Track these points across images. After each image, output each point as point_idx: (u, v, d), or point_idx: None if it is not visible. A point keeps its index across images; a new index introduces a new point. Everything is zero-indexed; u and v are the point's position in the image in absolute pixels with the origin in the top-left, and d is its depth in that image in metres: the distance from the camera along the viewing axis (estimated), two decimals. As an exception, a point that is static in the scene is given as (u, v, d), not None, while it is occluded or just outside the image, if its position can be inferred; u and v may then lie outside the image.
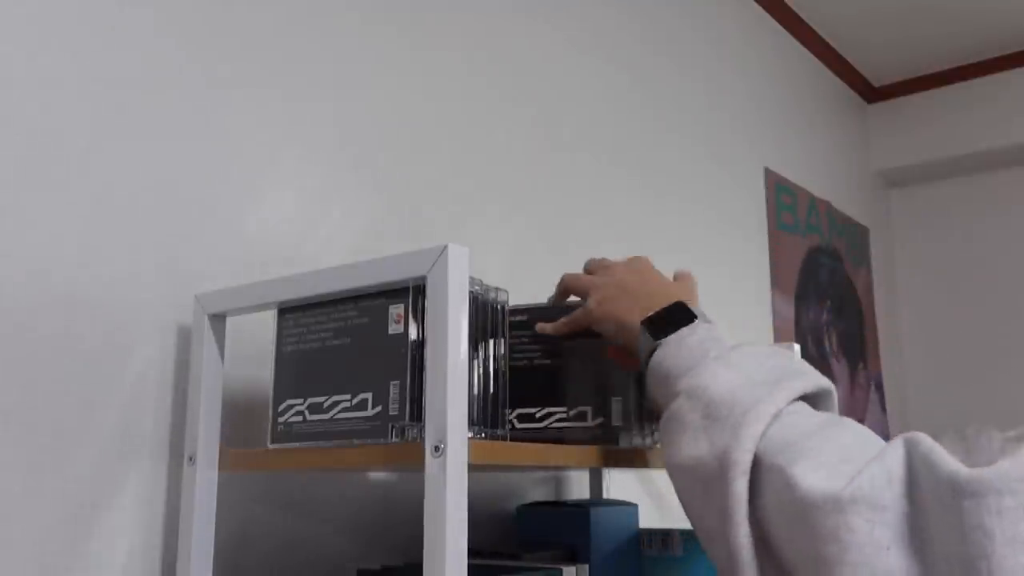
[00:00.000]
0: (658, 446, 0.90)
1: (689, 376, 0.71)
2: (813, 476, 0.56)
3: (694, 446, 0.66)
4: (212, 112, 0.98)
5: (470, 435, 0.67)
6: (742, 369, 0.69)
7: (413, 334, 0.70)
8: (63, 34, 0.85)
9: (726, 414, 0.65)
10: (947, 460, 0.51)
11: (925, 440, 0.54)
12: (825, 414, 0.66)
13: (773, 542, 0.60)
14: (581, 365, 0.89)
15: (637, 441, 0.86)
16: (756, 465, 0.61)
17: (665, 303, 0.80)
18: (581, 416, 0.88)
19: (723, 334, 0.76)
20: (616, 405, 0.87)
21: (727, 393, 0.67)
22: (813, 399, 0.69)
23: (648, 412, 0.89)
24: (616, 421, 0.86)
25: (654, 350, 0.76)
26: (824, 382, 0.69)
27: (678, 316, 0.78)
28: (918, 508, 0.52)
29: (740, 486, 0.61)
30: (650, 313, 0.79)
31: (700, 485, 0.65)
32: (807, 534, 0.55)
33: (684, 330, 0.76)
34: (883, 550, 0.51)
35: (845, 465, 0.56)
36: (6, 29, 0.81)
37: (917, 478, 0.53)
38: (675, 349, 0.75)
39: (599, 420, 0.87)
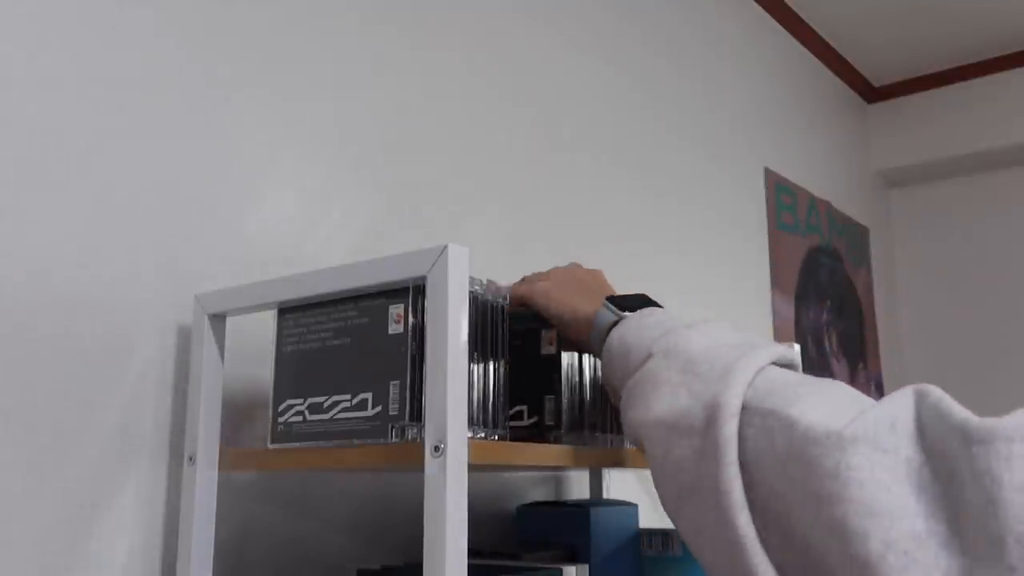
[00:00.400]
0: (605, 443, 0.90)
1: (663, 340, 0.71)
2: (813, 413, 0.56)
3: (673, 400, 0.65)
4: (212, 112, 0.98)
5: (470, 435, 0.67)
6: (715, 335, 0.70)
7: (413, 334, 0.71)
8: (63, 34, 0.85)
9: (708, 368, 0.64)
10: (958, 409, 0.51)
11: (935, 390, 0.54)
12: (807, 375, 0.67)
13: (756, 490, 0.59)
14: (519, 364, 0.89)
15: (567, 440, 0.86)
16: (742, 411, 0.60)
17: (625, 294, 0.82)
18: (519, 415, 0.88)
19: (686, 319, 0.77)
20: (548, 404, 0.87)
21: (708, 350, 0.67)
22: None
23: (590, 411, 0.89)
24: (548, 420, 0.86)
25: (611, 328, 0.77)
26: (795, 357, 0.70)
27: (640, 303, 0.79)
28: (925, 455, 0.51)
29: (730, 428, 0.59)
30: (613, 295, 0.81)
31: (683, 437, 0.63)
32: (806, 472, 0.54)
33: (646, 309, 0.77)
34: (883, 490, 0.50)
35: (844, 408, 0.56)
36: (6, 29, 0.81)
37: (926, 425, 0.52)
38: (638, 324, 0.75)
39: (534, 419, 0.87)
